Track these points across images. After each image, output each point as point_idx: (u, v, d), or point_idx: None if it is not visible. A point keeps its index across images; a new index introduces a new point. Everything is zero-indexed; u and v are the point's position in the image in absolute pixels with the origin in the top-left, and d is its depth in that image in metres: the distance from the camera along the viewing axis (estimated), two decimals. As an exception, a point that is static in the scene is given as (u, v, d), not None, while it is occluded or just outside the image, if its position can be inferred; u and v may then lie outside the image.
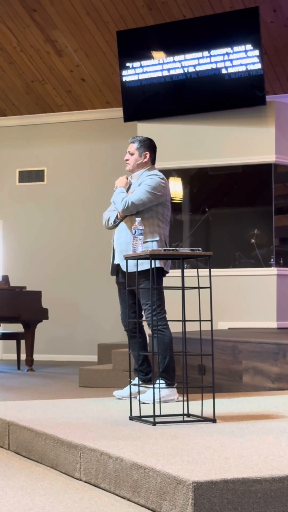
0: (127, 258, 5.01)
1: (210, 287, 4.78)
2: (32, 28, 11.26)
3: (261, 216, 10.50)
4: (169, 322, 5.59)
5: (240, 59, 9.74)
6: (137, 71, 10.31)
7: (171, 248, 5.04)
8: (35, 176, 12.71)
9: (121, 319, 5.97)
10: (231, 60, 9.79)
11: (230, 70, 9.81)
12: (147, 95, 10.33)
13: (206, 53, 9.92)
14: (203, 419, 4.61)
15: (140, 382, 5.55)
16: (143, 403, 5.09)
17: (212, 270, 4.87)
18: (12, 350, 11.85)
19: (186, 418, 4.64)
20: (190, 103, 10.15)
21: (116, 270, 5.93)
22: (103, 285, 12.04)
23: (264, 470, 3.13)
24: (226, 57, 9.82)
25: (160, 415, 4.64)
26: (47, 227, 12.57)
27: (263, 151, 9.85)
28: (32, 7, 10.94)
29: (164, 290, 5.46)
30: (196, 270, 4.89)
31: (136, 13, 10.78)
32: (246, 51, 9.70)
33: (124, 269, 5.44)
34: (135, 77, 10.32)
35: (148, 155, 5.95)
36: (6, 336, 11.08)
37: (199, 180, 10.96)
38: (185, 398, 4.82)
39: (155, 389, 5.22)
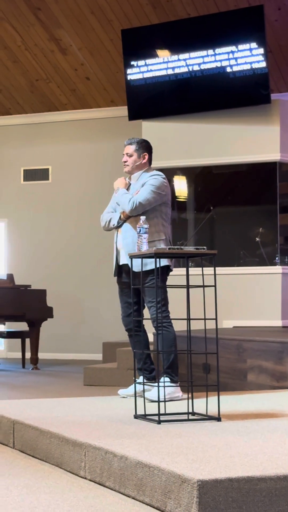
0: (132, 256, 5.00)
1: (215, 286, 4.78)
2: (37, 27, 11.26)
3: (266, 214, 10.49)
4: (174, 321, 5.60)
5: (245, 57, 9.73)
6: (141, 70, 10.30)
7: (176, 247, 5.03)
8: (40, 174, 12.71)
9: (122, 318, 5.99)
10: (235, 59, 9.78)
11: (235, 69, 9.80)
12: (151, 94, 10.32)
13: (210, 52, 9.91)
14: (208, 417, 4.61)
15: (145, 381, 5.54)
16: (150, 401, 5.09)
17: (216, 268, 4.86)
18: (17, 349, 11.86)
19: (191, 417, 4.64)
20: (194, 102, 10.14)
21: (119, 270, 5.92)
22: (107, 284, 12.03)
23: (269, 469, 3.12)
24: (230, 56, 9.81)
25: (165, 414, 4.64)
26: (52, 225, 12.58)
27: (268, 150, 9.84)
28: (36, 6, 10.94)
29: (169, 289, 5.45)
30: (200, 268, 4.88)
31: (141, 12, 10.78)
32: (251, 50, 9.69)
33: (134, 269, 5.43)
34: (139, 76, 10.32)
35: (146, 156, 6.03)
36: (11, 335, 11.09)
37: (204, 179, 10.95)
38: (190, 397, 4.82)
39: (160, 387, 5.25)
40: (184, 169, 10.75)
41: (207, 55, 9.93)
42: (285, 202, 10.33)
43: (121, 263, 5.88)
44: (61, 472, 3.95)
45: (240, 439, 3.89)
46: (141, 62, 10.30)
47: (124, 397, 5.73)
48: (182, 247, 5.10)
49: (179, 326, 5.68)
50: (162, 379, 5.49)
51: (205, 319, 4.80)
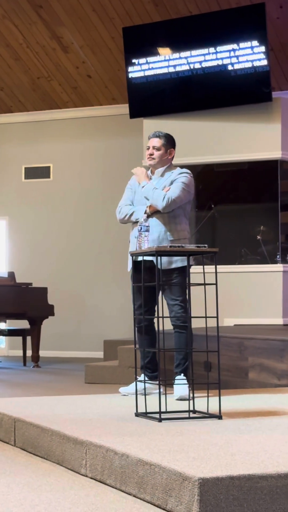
0: (133, 254, 5.00)
1: (216, 284, 4.78)
2: (38, 25, 11.26)
3: (267, 212, 10.49)
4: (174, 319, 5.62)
5: (246, 55, 9.73)
6: (143, 68, 10.30)
7: (177, 245, 5.04)
8: (41, 172, 12.71)
9: (135, 315, 5.77)
10: (237, 57, 9.78)
11: (236, 67, 9.79)
12: (153, 92, 10.32)
13: (212, 50, 9.91)
14: (209, 415, 4.61)
15: (147, 379, 5.53)
16: (182, 399, 5.24)
17: (218, 266, 4.86)
18: (18, 347, 11.86)
19: (192, 415, 4.64)
20: (196, 100, 10.14)
21: (138, 266, 5.69)
22: (109, 282, 12.04)
23: (270, 467, 3.12)
24: (232, 54, 9.81)
25: (166, 412, 4.64)
26: (53, 223, 12.58)
27: (269, 148, 9.84)
28: (38, 4, 10.94)
29: (170, 287, 5.46)
30: (202, 266, 4.88)
31: (142, 9, 10.77)
32: (252, 48, 9.69)
33: (159, 266, 5.39)
34: (141, 74, 10.32)
35: (173, 152, 5.99)
36: (12, 333, 11.09)
37: (205, 177, 10.94)
38: (191, 395, 4.82)
39: (183, 386, 5.43)
40: (185, 167, 10.72)
41: (209, 53, 9.93)
42: (287, 200, 10.34)
43: (146, 259, 5.59)
44: (62, 470, 3.95)
45: (241, 437, 3.89)
46: (142, 60, 10.30)
47: (125, 395, 5.73)
48: (183, 245, 5.10)
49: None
50: (181, 378, 5.56)
51: (206, 317, 4.80)
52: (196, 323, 5.17)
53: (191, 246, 4.95)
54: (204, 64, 9.98)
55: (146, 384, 5.11)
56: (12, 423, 4.70)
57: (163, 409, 4.59)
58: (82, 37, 11.36)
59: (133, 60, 10.34)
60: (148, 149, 5.92)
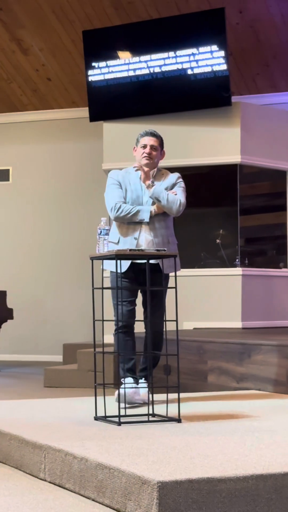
0: (92, 258, 4.99)
1: (175, 287, 4.79)
2: (-2, 27, 11.20)
3: (227, 216, 10.53)
4: (135, 323, 5.58)
5: (206, 59, 9.76)
6: (103, 71, 10.29)
7: (137, 249, 5.04)
8: (0, 175, 12.64)
9: (124, 317, 5.44)
10: (196, 61, 9.81)
11: (196, 71, 9.82)
12: (113, 95, 10.32)
13: (172, 54, 9.93)
14: (168, 419, 4.61)
15: (133, 381, 5.40)
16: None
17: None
18: (-24, 350, 11.79)
19: (151, 418, 4.64)
20: (156, 104, 10.16)
21: (133, 267, 5.43)
22: (68, 285, 12.01)
23: (228, 470, 3.13)
24: (192, 58, 9.84)
25: (125, 415, 4.64)
26: (12, 226, 12.51)
27: (229, 152, 9.88)
28: (-3, 6, 10.89)
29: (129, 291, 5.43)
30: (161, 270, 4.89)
31: (102, 13, 10.77)
32: (211, 52, 9.72)
33: (164, 270, 5.36)
34: (101, 77, 10.31)
35: (164, 155, 5.86)
36: None
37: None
38: (151, 398, 4.82)
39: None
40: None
41: (168, 57, 9.95)
42: (246, 204, 10.39)
43: (142, 261, 5.40)
44: (21, 474, 3.93)
45: (201, 440, 3.90)
46: (102, 64, 10.29)
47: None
48: (143, 249, 5.10)
49: (139, 328, 5.67)
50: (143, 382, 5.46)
51: (165, 320, 4.81)
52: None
53: (151, 250, 4.96)
54: (164, 68, 9.99)
55: (132, 387, 5.13)
56: None
57: (122, 413, 4.58)
58: (42, 39, 11.33)
59: (93, 64, 10.33)
60: (144, 147, 5.66)
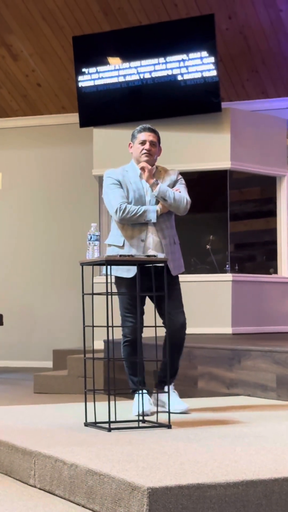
0: (82, 264, 4.98)
1: (165, 293, 4.79)
2: (-12, 33, 11.20)
3: (217, 222, 10.54)
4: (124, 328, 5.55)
5: (196, 65, 9.78)
6: (93, 77, 10.30)
7: (127, 254, 5.03)
8: (-10, 181, 12.62)
9: (132, 329, 5.22)
10: (186, 67, 9.83)
11: (186, 77, 9.84)
12: (103, 101, 10.32)
13: (162, 60, 9.94)
14: (158, 425, 4.61)
15: (145, 391, 5.22)
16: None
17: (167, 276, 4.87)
18: None
19: (141, 424, 4.63)
20: (146, 109, 10.16)
21: (144, 273, 5.12)
22: (58, 291, 12.00)
23: (219, 476, 3.13)
24: (181, 64, 9.85)
25: (115, 421, 4.63)
26: (1, 232, 12.49)
27: (219, 158, 9.89)
28: (-13, 11, 10.89)
29: (120, 296, 5.42)
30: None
31: (92, 19, 10.78)
32: (201, 58, 9.74)
33: (172, 271, 5.26)
34: (91, 83, 10.31)
35: (161, 151, 5.51)
36: None
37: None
38: (141, 404, 4.81)
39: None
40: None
41: (158, 63, 9.97)
42: (236, 209, 10.40)
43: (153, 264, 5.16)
44: (11, 481, 3.92)
45: (190, 446, 3.89)
46: (92, 69, 10.29)
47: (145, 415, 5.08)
48: (133, 254, 5.10)
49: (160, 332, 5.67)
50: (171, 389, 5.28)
51: (155, 326, 4.81)
52: (146, 333, 5.17)
53: (141, 256, 4.96)
54: (154, 74, 10.01)
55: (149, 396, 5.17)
56: None
57: (112, 419, 4.58)
58: (32, 45, 11.33)
59: (83, 69, 10.33)
60: (143, 143, 5.38)
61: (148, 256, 4.90)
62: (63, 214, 12.18)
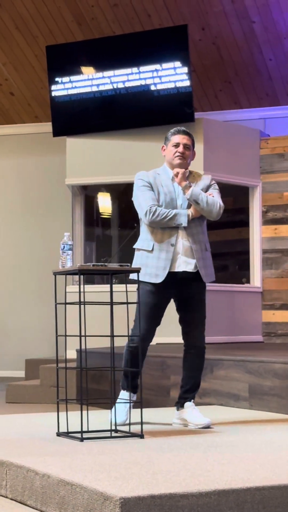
0: (55, 273, 4.97)
1: (138, 303, 4.79)
2: None
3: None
4: (96, 338, 5.47)
5: (169, 76, 9.81)
6: (66, 86, 10.30)
7: (99, 263, 5.03)
8: None
9: (142, 336, 5.09)
10: (160, 77, 9.85)
11: (159, 87, 9.87)
12: (76, 110, 10.32)
13: (135, 70, 9.97)
14: (130, 434, 4.60)
15: (133, 396, 5.26)
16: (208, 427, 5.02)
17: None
18: None
19: (113, 434, 4.63)
20: (119, 119, 10.18)
21: (173, 278, 5.14)
22: (32, 300, 11.95)
23: (191, 485, 3.13)
24: (155, 74, 9.88)
25: (88, 431, 4.62)
26: (-25, 241, 12.43)
27: (191, 167, 9.89)
28: None
29: (93, 306, 5.42)
30: (124, 285, 4.89)
31: (66, 28, 10.79)
32: (175, 68, 9.77)
33: (204, 278, 5.19)
34: (64, 92, 10.31)
35: (195, 156, 5.41)
36: None
37: (128, 196, 10.96)
38: (113, 414, 4.81)
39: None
40: (108, 186, 10.77)
41: (132, 73, 9.99)
42: (208, 219, 10.42)
43: (179, 269, 5.14)
44: (-18, 491, 3.90)
45: (163, 455, 3.89)
46: (65, 79, 10.29)
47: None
48: (106, 264, 5.10)
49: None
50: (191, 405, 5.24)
51: (128, 336, 4.81)
52: (119, 342, 5.17)
53: (114, 265, 4.96)
54: (128, 84, 10.02)
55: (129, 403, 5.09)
56: None
57: (84, 429, 4.57)
58: (5, 54, 11.31)
59: (57, 79, 10.33)
60: (176, 146, 5.24)
61: (121, 265, 4.90)
62: (35, 223, 12.15)
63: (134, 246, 5.33)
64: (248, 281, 10.38)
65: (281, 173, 10.08)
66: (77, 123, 10.38)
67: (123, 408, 5.07)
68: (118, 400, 5.11)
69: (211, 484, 3.16)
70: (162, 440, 4.44)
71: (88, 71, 10.25)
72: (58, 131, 10.49)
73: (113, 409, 5.01)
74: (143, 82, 9.95)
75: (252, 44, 10.64)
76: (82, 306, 4.65)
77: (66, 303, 4.83)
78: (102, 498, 3.02)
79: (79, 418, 4.47)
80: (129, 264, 4.94)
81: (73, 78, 10.27)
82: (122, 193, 10.98)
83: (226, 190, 10.64)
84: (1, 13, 10.82)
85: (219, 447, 4.17)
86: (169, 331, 9.60)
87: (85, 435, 4.48)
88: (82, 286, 4.74)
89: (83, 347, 4.67)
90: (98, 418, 5.22)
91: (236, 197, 10.78)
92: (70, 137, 10.40)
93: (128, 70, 10.01)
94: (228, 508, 3.08)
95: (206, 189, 5.28)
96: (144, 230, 5.25)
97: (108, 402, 5.37)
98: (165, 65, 9.82)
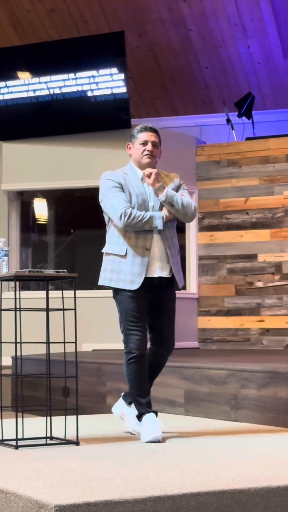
0: (-9, 279, 4.93)
1: (74, 309, 4.78)
2: None
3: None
4: (32, 345, 5.40)
5: (106, 82, 9.81)
6: (2, 91, 10.23)
7: (35, 270, 5.00)
8: None
9: (139, 342, 4.89)
10: (96, 83, 9.85)
11: (96, 93, 9.86)
12: (12, 115, 10.25)
13: (72, 75, 9.95)
14: (66, 441, 4.58)
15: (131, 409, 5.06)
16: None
17: (76, 291, 4.87)
18: None
19: (49, 441, 4.60)
20: (56, 125, 10.14)
21: (148, 285, 4.89)
22: None
23: (126, 492, 3.13)
24: (92, 80, 9.87)
25: (23, 439, 4.59)
26: None
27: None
28: None
29: (28, 312, 5.37)
30: (60, 291, 4.87)
31: (2, 33, 10.73)
32: (111, 75, 9.78)
33: (179, 283, 4.97)
34: (0, 97, 10.24)
35: (161, 153, 5.10)
36: None
37: (65, 202, 10.95)
38: (49, 421, 4.78)
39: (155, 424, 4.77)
40: (44, 192, 10.72)
41: (68, 79, 9.97)
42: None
43: (156, 275, 4.89)
44: None
45: (99, 462, 3.88)
46: (1, 84, 10.22)
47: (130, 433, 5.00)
48: (42, 270, 5.07)
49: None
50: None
51: (64, 342, 4.79)
52: (54, 349, 5.15)
53: (50, 271, 4.93)
54: (64, 90, 10.00)
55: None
56: None
57: (20, 436, 4.53)
58: None
59: (-7, 84, 10.26)
60: (144, 144, 4.98)
61: (57, 271, 4.87)
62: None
63: (103, 251, 5.10)
64: (184, 287, 10.43)
65: (217, 180, 10.15)
66: (13, 128, 10.32)
67: (155, 424, 4.77)
68: (145, 421, 4.79)
69: (147, 491, 3.16)
70: (97, 447, 4.43)
71: (24, 76, 10.20)
72: (-6, 136, 10.41)
73: (146, 426, 4.75)
74: (79, 88, 9.93)
75: (188, 52, 10.72)
76: (17, 312, 4.61)
77: (1, 310, 4.79)
78: (37, 506, 3.00)
79: (14, 426, 4.44)
80: (65, 271, 4.91)
81: (9, 83, 10.21)
82: (58, 199, 10.94)
83: (162, 196, 10.72)
84: None
85: (154, 453, 4.17)
86: (104, 337, 9.61)
87: (20, 443, 4.45)
88: (18, 292, 4.71)
89: (18, 353, 4.63)
90: (34, 425, 5.18)
91: (172, 204, 10.82)
92: (6, 142, 10.33)
93: (65, 76, 9.98)
94: (163, 514, 3.08)
95: (176, 190, 5.01)
96: (114, 234, 4.98)
97: (44, 409, 5.34)
98: (102, 71, 9.82)
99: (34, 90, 10.14)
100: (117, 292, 4.97)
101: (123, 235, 4.90)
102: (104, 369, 6.80)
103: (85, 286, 9.84)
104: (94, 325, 9.61)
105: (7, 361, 6.74)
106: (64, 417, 4.80)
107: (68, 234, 10.67)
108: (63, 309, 4.81)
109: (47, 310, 4.88)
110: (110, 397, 6.66)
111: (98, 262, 10.48)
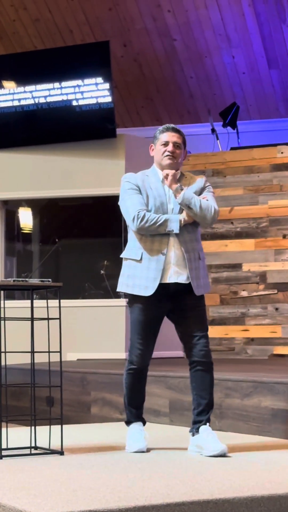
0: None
1: (59, 318, 4.77)
2: None
3: (111, 247, 10.58)
4: (16, 354, 5.36)
5: (91, 91, 9.83)
6: (-13, 100, 10.23)
7: (20, 279, 4.99)
8: None
9: (140, 357, 4.81)
10: (82, 93, 9.86)
11: (81, 102, 9.87)
12: (-3, 125, 10.26)
13: (57, 85, 9.95)
14: (50, 451, 4.57)
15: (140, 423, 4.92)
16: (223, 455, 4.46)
17: (61, 301, 4.86)
18: None
19: (33, 451, 4.59)
20: (41, 134, 10.15)
21: (165, 292, 4.72)
22: None
23: (111, 502, 3.13)
24: (77, 89, 9.88)
25: (7, 449, 4.57)
26: None
27: (113, 183, 9.91)
28: None
29: (13, 322, 5.35)
30: (45, 301, 4.87)
31: (-13, 42, 10.74)
32: (96, 84, 9.79)
33: (197, 291, 4.67)
34: (-15, 106, 10.24)
35: (187, 154, 5.01)
36: None
37: (50, 211, 10.94)
38: (33, 431, 4.77)
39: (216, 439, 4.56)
40: (29, 201, 10.70)
41: (54, 88, 9.97)
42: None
43: (171, 280, 4.69)
44: None
45: (83, 472, 3.88)
46: (-14, 93, 10.23)
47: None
48: (26, 279, 5.07)
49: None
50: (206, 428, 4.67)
51: (49, 352, 4.78)
52: (39, 358, 5.14)
53: (35, 281, 4.93)
54: (49, 99, 10.00)
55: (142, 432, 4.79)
56: None
57: (4, 446, 4.52)
58: None
59: (-23, 93, 10.26)
60: (165, 145, 4.80)
61: (42, 281, 4.87)
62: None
63: (121, 256, 5.02)
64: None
65: (201, 190, 10.17)
66: (-2, 137, 10.31)
67: (140, 435, 4.75)
68: (131, 431, 4.80)
69: (131, 500, 3.15)
70: (82, 457, 4.42)
71: (9, 86, 10.20)
72: (-21, 145, 10.40)
73: (131, 436, 4.74)
74: (65, 98, 9.94)
75: (173, 61, 10.75)
76: (2, 321, 4.61)
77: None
78: (21, 516, 2.99)
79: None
80: (50, 280, 4.91)
81: (-6, 92, 10.21)
82: (43, 208, 10.93)
83: (147, 206, 10.73)
84: None
85: (139, 463, 4.17)
86: (89, 347, 9.60)
87: (4, 453, 4.44)
88: (2, 301, 4.70)
89: (2, 363, 4.62)
90: (18, 435, 5.16)
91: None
92: (-9, 151, 10.32)
93: (50, 85, 9.99)
94: (148, 524, 3.08)
95: (200, 192, 4.81)
96: (132, 238, 4.86)
97: (28, 419, 5.32)
98: (87, 81, 9.84)
99: (19, 99, 10.14)
100: (131, 300, 4.82)
101: (139, 239, 4.79)
102: (89, 379, 6.80)
103: (70, 295, 9.84)
104: (79, 335, 9.60)
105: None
106: (48, 426, 4.79)
107: (53, 243, 10.66)
108: (48, 319, 4.81)
109: (32, 319, 4.87)
110: (94, 407, 6.65)
111: (82, 271, 10.51)
